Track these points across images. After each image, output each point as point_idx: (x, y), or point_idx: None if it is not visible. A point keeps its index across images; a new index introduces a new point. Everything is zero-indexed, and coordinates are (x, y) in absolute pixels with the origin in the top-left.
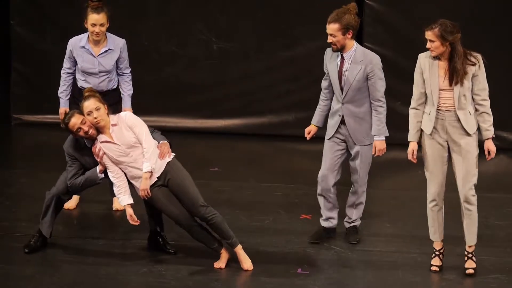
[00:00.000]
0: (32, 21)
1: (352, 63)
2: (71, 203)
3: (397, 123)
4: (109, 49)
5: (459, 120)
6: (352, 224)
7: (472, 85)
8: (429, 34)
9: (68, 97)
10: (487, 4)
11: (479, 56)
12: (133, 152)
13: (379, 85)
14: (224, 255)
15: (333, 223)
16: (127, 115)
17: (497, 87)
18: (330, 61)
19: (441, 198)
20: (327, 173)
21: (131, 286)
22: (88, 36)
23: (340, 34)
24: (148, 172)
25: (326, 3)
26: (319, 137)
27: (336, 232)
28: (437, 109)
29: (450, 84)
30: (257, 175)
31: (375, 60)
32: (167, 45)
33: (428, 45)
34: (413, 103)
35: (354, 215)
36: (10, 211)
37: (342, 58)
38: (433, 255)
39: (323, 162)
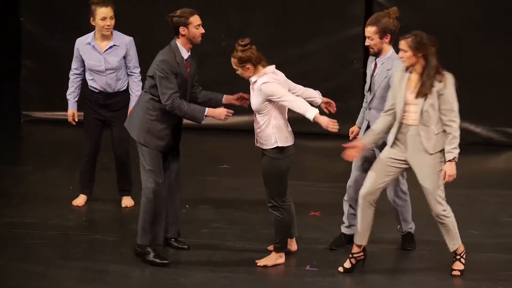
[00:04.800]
0: (42, 18)
1: (381, 70)
2: (79, 200)
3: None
4: (114, 45)
5: (419, 136)
6: (406, 231)
7: (439, 104)
8: (401, 43)
9: (76, 99)
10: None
11: (448, 76)
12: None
13: None
14: (293, 246)
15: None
16: (266, 84)
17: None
18: (368, 65)
19: (367, 199)
20: (357, 182)
21: (135, 283)
22: (95, 34)
23: (377, 37)
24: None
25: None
26: (328, 134)
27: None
28: (401, 123)
29: (416, 98)
30: None
31: None
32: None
33: (400, 54)
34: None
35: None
36: (20, 208)
37: (376, 63)
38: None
39: (353, 170)
